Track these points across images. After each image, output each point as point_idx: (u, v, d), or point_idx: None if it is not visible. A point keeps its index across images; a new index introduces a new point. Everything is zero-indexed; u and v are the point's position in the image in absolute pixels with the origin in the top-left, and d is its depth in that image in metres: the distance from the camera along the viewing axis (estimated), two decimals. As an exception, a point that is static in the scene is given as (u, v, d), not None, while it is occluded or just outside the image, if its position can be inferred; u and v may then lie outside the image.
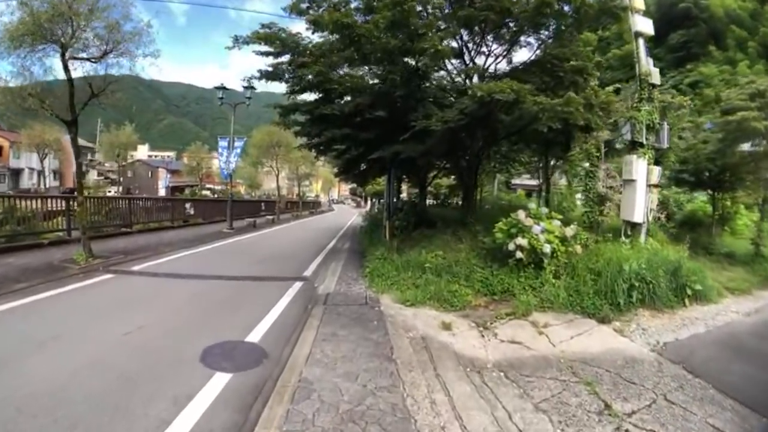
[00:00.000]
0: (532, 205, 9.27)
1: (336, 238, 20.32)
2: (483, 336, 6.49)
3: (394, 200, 15.33)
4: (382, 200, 63.24)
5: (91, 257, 11.07)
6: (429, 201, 24.78)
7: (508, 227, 8.72)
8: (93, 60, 11.41)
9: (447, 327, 6.66)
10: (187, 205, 23.30)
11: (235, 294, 8.59)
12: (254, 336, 6.17)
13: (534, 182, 45.39)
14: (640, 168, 10.62)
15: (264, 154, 35.12)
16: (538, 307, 7.53)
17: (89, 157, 66.68)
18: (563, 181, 29.54)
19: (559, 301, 7.62)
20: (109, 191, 57.24)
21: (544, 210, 9.03)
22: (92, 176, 69.49)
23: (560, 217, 9.05)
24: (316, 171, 59.29)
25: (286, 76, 10.64)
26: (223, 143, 21.26)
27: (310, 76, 10.14)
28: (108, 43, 11.23)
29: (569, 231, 8.76)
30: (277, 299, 8.06)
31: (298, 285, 9.35)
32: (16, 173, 58.23)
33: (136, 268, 10.72)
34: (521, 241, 8.24)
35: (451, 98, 10.67)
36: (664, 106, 12.26)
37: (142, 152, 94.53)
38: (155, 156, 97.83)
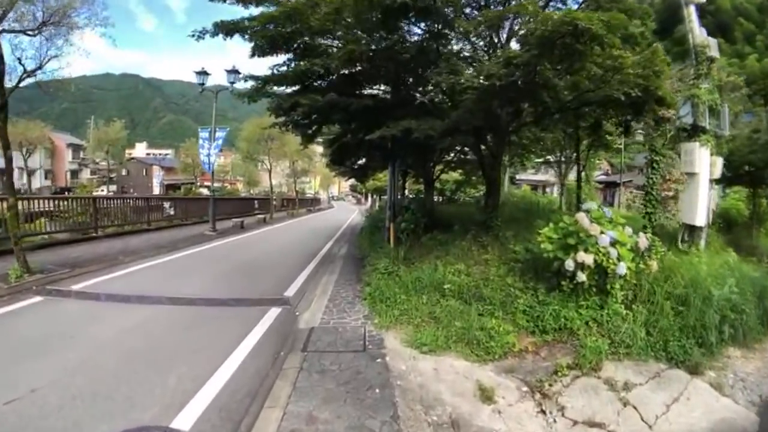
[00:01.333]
0: (592, 205, 6.92)
1: (332, 241, 17.97)
2: (544, 411, 4.22)
3: (398, 197, 12.88)
4: (383, 196, 61.38)
5: (27, 273, 8.97)
6: (434, 198, 22.53)
7: (562, 236, 6.37)
8: (29, 33, 9.45)
9: (488, 396, 4.35)
10: (167, 205, 20.84)
11: (184, 330, 6.25)
12: (187, 416, 3.90)
13: (540, 177, 43.33)
14: (703, 158, 8.70)
15: (255, 147, 32.77)
16: (609, 352, 5.32)
17: (81, 155, 64.65)
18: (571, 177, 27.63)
19: (637, 344, 5.42)
20: (101, 190, 54.82)
21: (608, 212, 6.69)
22: (85, 175, 67.51)
23: (623, 221, 6.73)
24: (314, 167, 57.13)
25: (250, 26, 8.14)
26: (203, 134, 18.69)
27: (281, 26, 7.69)
28: (47, 14, 9.34)
29: (643, 242, 6.45)
30: (239, 340, 5.71)
31: (273, 313, 6.96)
32: (3, 173, 56.03)
33: (76, 287, 8.47)
34: (585, 257, 5.88)
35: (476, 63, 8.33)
36: (719, 86, 10.18)
37: (140, 150, 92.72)
38: (154, 154, 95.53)
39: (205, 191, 59.12)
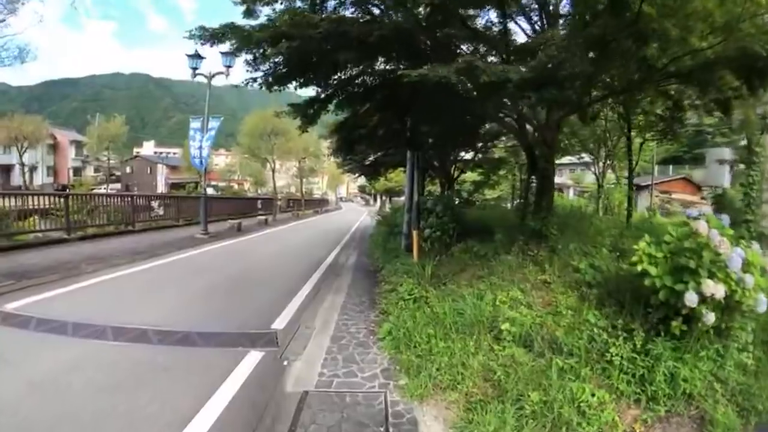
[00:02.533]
0: (705, 209, 4.89)
1: (339, 246, 15.86)
2: None
3: (418, 197, 10.61)
4: (393, 198, 59.40)
5: (-38, 285, 7.25)
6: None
7: (668, 253, 4.33)
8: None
9: None
10: (155, 204, 18.74)
11: (113, 389, 4.10)
12: None
13: (555, 180, 40.83)
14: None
15: (257, 143, 30.58)
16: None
17: (84, 152, 63.13)
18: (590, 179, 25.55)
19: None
20: (103, 188, 53.01)
21: (725, 220, 4.59)
22: (89, 172, 66.06)
23: (731, 231, 4.65)
24: (322, 167, 55.30)
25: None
26: (195, 124, 16.44)
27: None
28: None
29: (769, 262, 4.40)
30: (190, 414, 3.60)
31: (251, 361, 4.80)
32: (7, 170, 54.74)
33: (11, 306, 6.55)
34: (714, 288, 3.82)
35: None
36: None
37: (148, 148, 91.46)
38: (161, 153, 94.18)
39: (210, 190, 57.39)
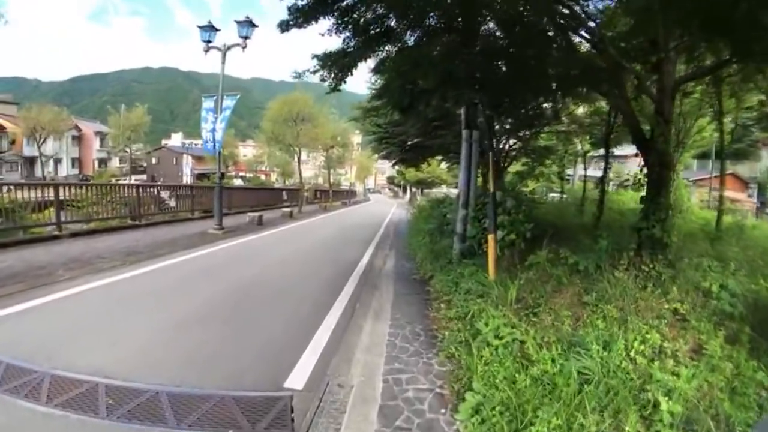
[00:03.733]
0: None
1: (373, 245, 13.66)
2: None
3: (494, 191, 7.99)
4: (425, 190, 57.09)
5: None
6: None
7: None
8: None
9: None
10: (165, 194, 16.72)
11: None
12: None
13: (589, 173, 38.05)
14: None
15: (281, 129, 28.50)
16: None
17: (110, 143, 62.51)
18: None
19: None
20: (128, 179, 52.04)
21: None
22: (114, 163, 65.71)
23: None
24: (350, 158, 53.48)
25: None
26: (207, 104, 14.20)
27: None
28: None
29: None
30: None
31: None
32: (31, 162, 54.23)
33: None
34: None
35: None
36: None
37: (176, 140, 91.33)
38: (188, 143, 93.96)
39: (238, 181, 56.17)
